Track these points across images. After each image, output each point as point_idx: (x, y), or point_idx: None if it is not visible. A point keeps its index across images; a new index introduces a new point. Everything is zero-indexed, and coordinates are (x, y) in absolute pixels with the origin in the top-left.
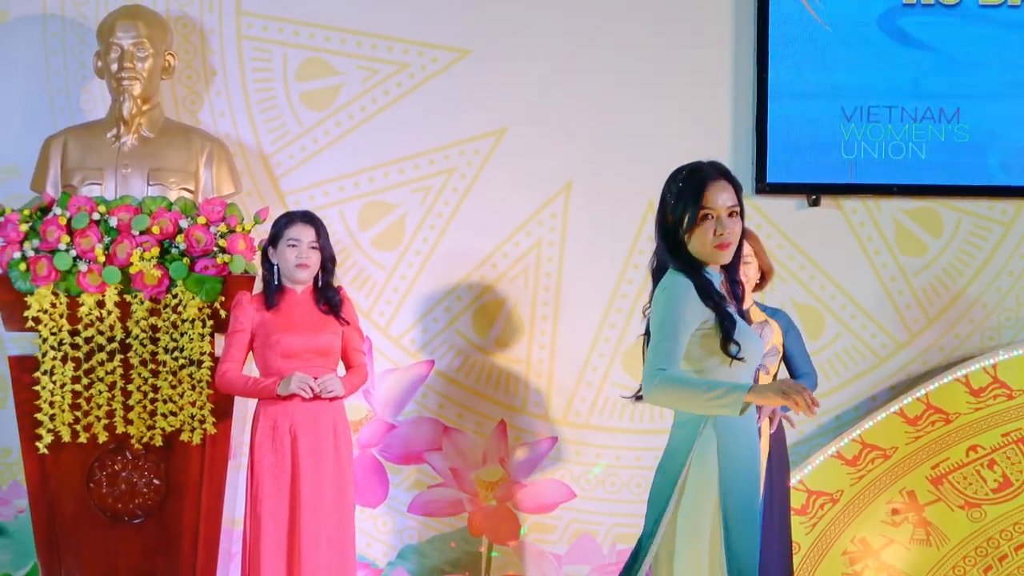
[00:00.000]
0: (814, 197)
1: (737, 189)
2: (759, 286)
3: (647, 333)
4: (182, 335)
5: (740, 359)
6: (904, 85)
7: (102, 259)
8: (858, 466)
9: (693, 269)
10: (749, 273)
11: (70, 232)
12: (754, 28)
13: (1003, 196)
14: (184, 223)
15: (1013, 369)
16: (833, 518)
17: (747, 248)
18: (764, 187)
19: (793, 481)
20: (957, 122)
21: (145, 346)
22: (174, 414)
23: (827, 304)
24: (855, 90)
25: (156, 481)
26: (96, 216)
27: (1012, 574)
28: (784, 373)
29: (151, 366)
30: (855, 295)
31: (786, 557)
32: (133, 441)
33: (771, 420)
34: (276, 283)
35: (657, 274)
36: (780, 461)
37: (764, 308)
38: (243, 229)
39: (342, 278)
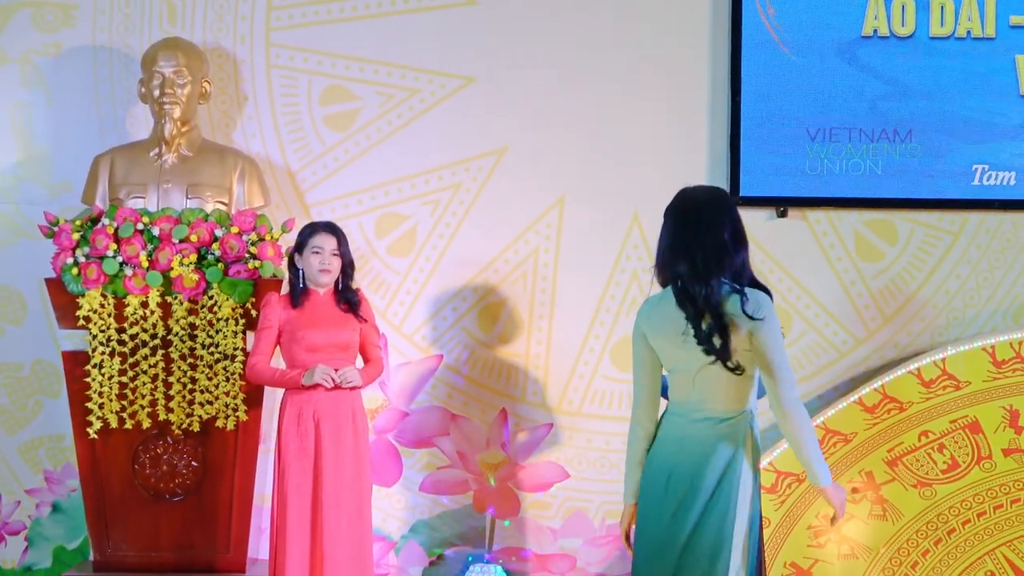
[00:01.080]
0: (782, 209)
1: None
2: None
3: (725, 343)
4: (217, 332)
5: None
6: (862, 109)
7: (146, 264)
8: (822, 450)
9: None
10: None
11: (117, 240)
12: (728, 59)
13: (951, 208)
14: (219, 232)
15: (960, 363)
16: (799, 496)
17: None
18: (737, 200)
19: (764, 463)
20: (910, 142)
21: (184, 342)
22: (210, 403)
23: (794, 305)
24: (818, 113)
25: (194, 463)
26: (140, 226)
27: (959, 546)
28: None
29: (190, 360)
30: (819, 297)
31: (757, 532)
32: (173, 427)
33: None
34: (301, 285)
35: (730, 286)
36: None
37: None
38: (272, 238)
39: (360, 281)
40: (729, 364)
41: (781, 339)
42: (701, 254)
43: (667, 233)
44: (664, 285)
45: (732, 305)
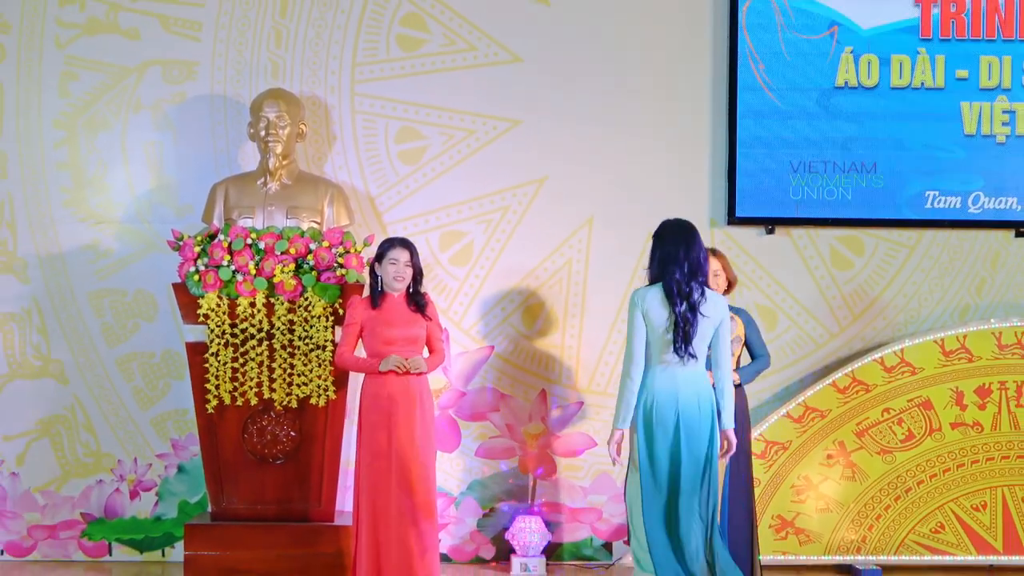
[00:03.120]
0: (770, 227)
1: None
2: (727, 292)
3: (688, 342)
4: (311, 327)
5: None
6: (836, 145)
7: (253, 272)
8: (802, 423)
9: None
10: (719, 283)
11: (230, 252)
12: (726, 105)
13: (908, 227)
14: (313, 246)
15: (916, 353)
16: (784, 461)
17: (716, 264)
18: (733, 220)
19: (754, 434)
20: (874, 173)
21: (284, 335)
22: (305, 384)
23: (779, 305)
24: (800, 149)
25: (292, 433)
26: (249, 241)
27: (915, 502)
28: (746, 356)
29: (289, 349)
30: (800, 299)
31: (749, 490)
32: (276, 404)
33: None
34: (380, 290)
35: (708, 290)
36: (744, 420)
37: (730, 308)
38: (356, 251)
39: (427, 286)
40: (691, 352)
41: None
42: (687, 265)
43: (660, 248)
44: (654, 283)
45: (713, 304)
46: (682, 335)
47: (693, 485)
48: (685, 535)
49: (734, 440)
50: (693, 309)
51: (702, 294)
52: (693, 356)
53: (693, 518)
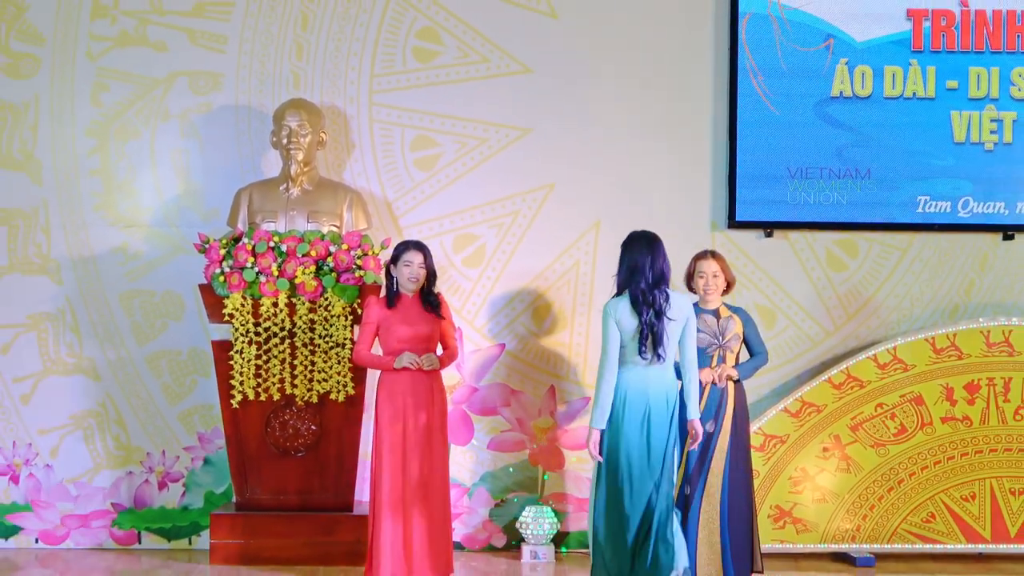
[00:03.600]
0: (768, 231)
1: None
2: (726, 292)
3: (657, 344)
4: (331, 326)
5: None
6: (831, 153)
7: (276, 273)
8: (799, 418)
9: None
10: (718, 284)
11: (254, 255)
12: (727, 115)
13: (900, 231)
14: (333, 249)
15: (908, 351)
16: (782, 454)
17: (715, 265)
18: (734, 224)
19: (753, 428)
20: (868, 179)
21: (306, 333)
22: (325, 380)
23: (778, 305)
24: (797, 156)
25: (313, 427)
26: (272, 244)
27: (907, 493)
28: (745, 353)
29: (310, 347)
30: (797, 299)
31: (749, 481)
32: (297, 399)
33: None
34: (395, 290)
35: (675, 294)
36: (743, 414)
37: (730, 307)
38: (373, 253)
39: (441, 287)
40: (660, 353)
41: None
42: (651, 274)
43: (627, 259)
44: (622, 292)
45: (678, 307)
46: (651, 339)
47: (652, 472)
48: (632, 525)
49: (700, 429)
50: (659, 315)
51: (666, 299)
52: (661, 357)
53: (644, 505)
